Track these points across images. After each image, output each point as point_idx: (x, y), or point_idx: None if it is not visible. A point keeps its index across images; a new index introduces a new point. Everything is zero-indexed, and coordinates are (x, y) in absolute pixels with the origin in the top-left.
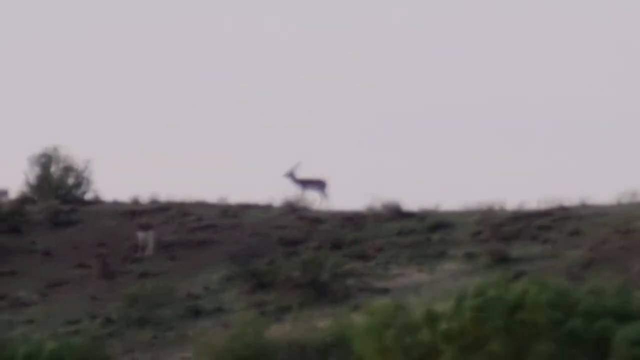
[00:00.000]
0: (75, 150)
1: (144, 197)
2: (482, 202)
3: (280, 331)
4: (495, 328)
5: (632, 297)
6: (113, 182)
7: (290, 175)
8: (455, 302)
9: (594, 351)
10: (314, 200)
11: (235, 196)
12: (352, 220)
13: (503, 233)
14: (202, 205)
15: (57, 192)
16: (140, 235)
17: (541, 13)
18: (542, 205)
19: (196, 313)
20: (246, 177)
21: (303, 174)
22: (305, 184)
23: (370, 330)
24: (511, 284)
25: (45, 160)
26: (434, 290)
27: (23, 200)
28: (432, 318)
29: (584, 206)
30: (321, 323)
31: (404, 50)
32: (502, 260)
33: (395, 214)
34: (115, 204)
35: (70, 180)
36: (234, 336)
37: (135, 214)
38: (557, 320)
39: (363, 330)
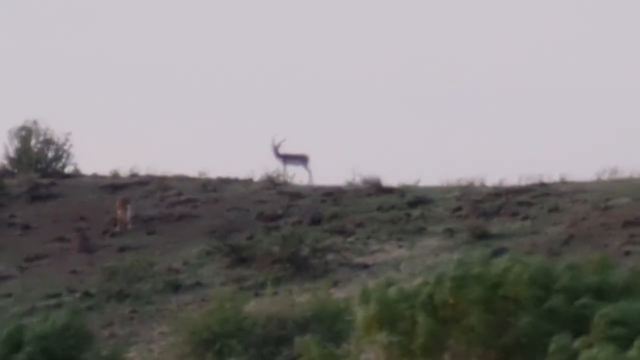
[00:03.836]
0: (55, 123)
1: (124, 170)
2: (462, 178)
3: (259, 306)
4: (475, 301)
5: (611, 274)
6: (93, 156)
7: (275, 149)
8: (436, 277)
9: (573, 327)
10: (298, 175)
11: (215, 170)
12: (332, 195)
13: (483, 209)
14: (182, 179)
15: (37, 165)
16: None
17: None
18: (522, 182)
19: (175, 287)
20: (226, 151)
21: (285, 149)
22: (287, 158)
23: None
24: (492, 260)
25: (25, 134)
26: (413, 265)
27: (2, 173)
28: (408, 294)
29: (563, 183)
30: (301, 298)
31: (384, 24)
32: (481, 236)
33: (375, 189)
34: (95, 177)
35: (50, 154)
36: (212, 311)
37: (115, 187)
38: (537, 296)
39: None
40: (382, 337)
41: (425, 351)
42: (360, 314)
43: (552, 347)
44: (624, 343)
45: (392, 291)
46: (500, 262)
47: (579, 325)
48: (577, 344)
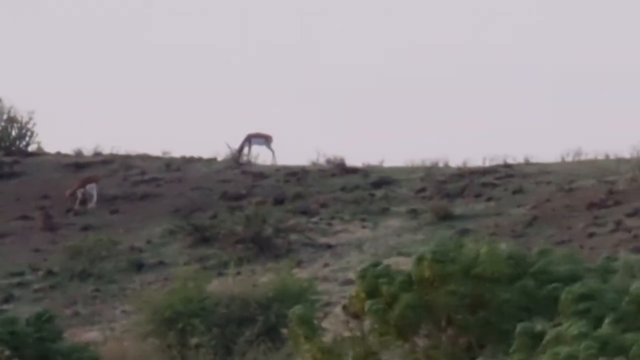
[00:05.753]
0: (19, 101)
1: (88, 149)
2: (426, 159)
3: (222, 286)
4: (452, 276)
5: (580, 263)
6: (56, 134)
7: (239, 151)
8: (416, 258)
9: (547, 306)
10: (261, 155)
11: (179, 149)
12: (296, 175)
13: (447, 190)
14: (145, 158)
15: (0, 143)
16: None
17: None
18: (486, 163)
19: (138, 267)
20: (190, 130)
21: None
22: (251, 139)
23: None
24: (463, 243)
25: None
26: (377, 246)
27: None
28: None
29: (528, 164)
30: (264, 278)
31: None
32: (445, 217)
33: (339, 169)
34: (59, 156)
35: (14, 132)
36: (174, 290)
37: (79, 166)
38: (511, 276)
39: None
40: (368, 305)
41: (402, 324)
42: (356, 288)
43: (518, 329)
44: (594, 321)
45: (378, 269)
46: (474, 247)
47: (552, 307)
48: (541, 326)
